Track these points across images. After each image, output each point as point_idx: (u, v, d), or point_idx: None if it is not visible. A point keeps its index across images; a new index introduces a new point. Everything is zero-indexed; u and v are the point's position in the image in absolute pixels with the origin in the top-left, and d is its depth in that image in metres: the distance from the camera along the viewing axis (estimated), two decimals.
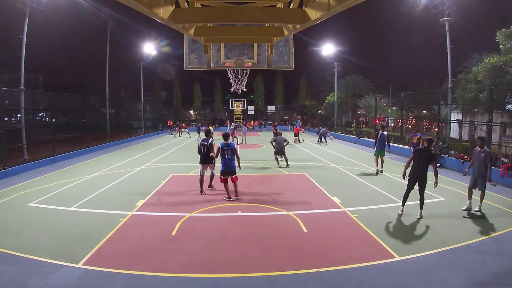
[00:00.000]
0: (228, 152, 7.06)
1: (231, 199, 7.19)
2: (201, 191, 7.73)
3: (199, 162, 7.78)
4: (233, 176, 7.21)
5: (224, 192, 7.39)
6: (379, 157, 10.33)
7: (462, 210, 6.52)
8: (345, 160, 13.57)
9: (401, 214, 6.17)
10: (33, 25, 12.90)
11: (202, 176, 7.74)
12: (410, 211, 6.39)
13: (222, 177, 7.17)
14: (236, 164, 7.30)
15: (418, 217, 6.05)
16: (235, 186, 7.34)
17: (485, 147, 6.56)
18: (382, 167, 10.37)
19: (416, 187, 6.11)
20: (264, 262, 4.38)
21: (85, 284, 3.82)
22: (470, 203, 6.58)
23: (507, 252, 4.67)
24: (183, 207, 6.80)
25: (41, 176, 10.16)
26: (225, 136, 7.33)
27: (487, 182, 6.46)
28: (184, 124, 28.42)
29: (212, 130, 9.86)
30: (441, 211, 6.49)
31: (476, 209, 6.44)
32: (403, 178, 6.36)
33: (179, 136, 26.46)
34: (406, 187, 6.22)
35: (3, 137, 10.44)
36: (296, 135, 19.84)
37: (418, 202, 6.10)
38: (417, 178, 6.07)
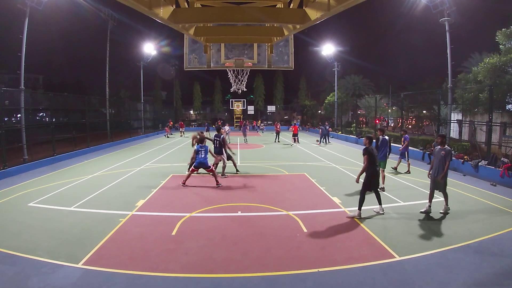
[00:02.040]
0: (202, 152, 8.60)
1: (185, 184, 8.58)
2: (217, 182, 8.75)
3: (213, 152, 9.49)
4: (208, 169, 8.71)
5: (220, 189, 8.32)
6: (380, 169, 7.94)
7: (420, 212, 6.29)
8: (345, 160, 13.57)
9: (360, 218, 5.97)
10: (33, 25, 12.88)
11: (215, 164, 9.57)
12: (409, 211, 6.40)
13: (193, 167, 8.70)
14: (210, 157, 8.91)
15: (381, 212, 6.22)
16: (213, 175, 8.75)
17: (446, 145, 6.38)
18: (383, 183, 8.23)
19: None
20: (264, 262, 4.37)
21: (85, 284, 3.82)
22: (430, 206, 6.29)
23: (507, 252, 4.67)
24: (183, 207, 6.80)
25: (41, 176, 10.16)
26: (201, 140, 8.89)
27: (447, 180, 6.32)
28: (182, 123, 28.36)
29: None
30: (440, 211, 6.47)
31: (441, 210, 6.31)
32: (357, 182, 6.27)
33: (167, 137, 25.90)
34: (363, 190, 6.12)
35: (3, 137, 10.45)
36: (295, 135, 19.77)
37: (376, 199, 6.31)
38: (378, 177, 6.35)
